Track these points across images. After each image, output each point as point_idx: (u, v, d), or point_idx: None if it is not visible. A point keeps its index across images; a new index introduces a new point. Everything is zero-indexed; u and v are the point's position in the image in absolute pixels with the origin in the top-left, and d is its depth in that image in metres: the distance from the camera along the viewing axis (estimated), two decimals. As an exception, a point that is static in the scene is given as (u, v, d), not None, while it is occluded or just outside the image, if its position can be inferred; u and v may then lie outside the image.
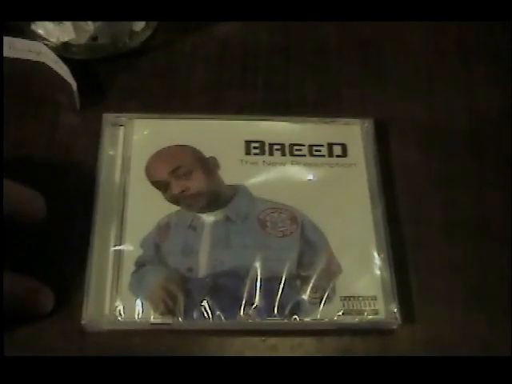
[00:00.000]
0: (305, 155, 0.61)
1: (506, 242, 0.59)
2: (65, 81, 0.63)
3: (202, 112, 0.63)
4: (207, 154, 0.61)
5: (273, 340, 0.54)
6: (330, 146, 0.62)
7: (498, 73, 0.69)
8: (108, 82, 0.65)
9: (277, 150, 0.61)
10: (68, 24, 0.63)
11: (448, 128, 0.65)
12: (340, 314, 0.54)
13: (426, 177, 0.62)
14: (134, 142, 0.61)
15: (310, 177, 0.60)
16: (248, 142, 0.61)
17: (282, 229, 0.57)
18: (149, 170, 0.59)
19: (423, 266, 0.57)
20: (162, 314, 0.53)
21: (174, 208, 0.58)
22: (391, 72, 0.69)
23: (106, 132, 0.61)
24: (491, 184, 0.62)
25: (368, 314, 0.54)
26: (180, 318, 0.53)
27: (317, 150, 0.62)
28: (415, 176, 0.62)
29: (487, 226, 0.60)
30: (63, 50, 0.64)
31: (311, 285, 0.55)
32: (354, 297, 0.55)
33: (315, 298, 0.54)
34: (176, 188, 0.59)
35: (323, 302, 0.54)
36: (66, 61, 0.63)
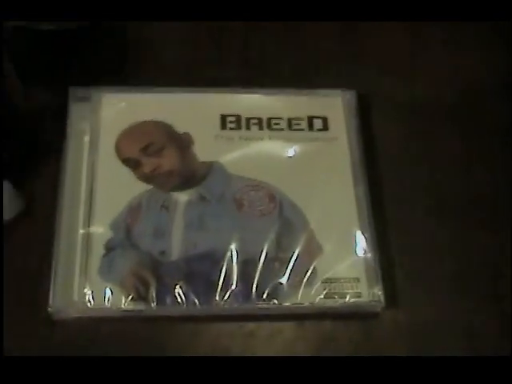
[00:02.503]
0: (283, 129, 0.58)
1: (492, 223, 0.57)
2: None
3: (175, 85, 0.59)
4: (180, 129, 0.57)
5: (250, 326, 0.52)
6: (311, 119, 0.59)
7: (485, 44, 0.66)
8: (75, 54, 0.61)
9: (254, 124, 0.58)
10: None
11: (433, 102, 0.62)
12: (321, 297, 0.51)
13: (410, 152, 0.59)
14: (103, 117, 0.58)
15: (289, 152, 0.57)
16: (224, 117, 0.58)
17: (259, 208, 0.55)
18: (119, 148, 0.56)
19: (407, 246, 0.55)
20: (134, 300, 0.50)
21: (146, 187, 0.55)
22: (370, 44, 0.65)
23: (73, 107, 0.58)
24: (478, 162, 0.59)
25: (351, 297, 0.51)
26: (152, 304, 0.50)
27: (296, 124, 0.59)
28: (399, 151, 0.59)
29: (473, 205, 0.57)
30: (29, 22, 0.60)
31: (291, 267, 0.52)
32: (335, 279, 0.52)
33: (295, 281, 0.52)
34: (147, 166, 0.55)
35: (303, 284, 0.52)
36: (32, 32, 0.60)
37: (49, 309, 0.50)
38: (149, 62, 0.62)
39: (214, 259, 0.52)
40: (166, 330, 0.51)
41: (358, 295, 0.52)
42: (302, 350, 0.51)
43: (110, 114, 0.58)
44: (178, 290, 0.51)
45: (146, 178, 0.55)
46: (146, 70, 0.62)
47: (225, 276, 0.51)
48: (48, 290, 0.50)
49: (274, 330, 0.52)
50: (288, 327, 0.52)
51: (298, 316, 0.52)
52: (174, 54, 0.63)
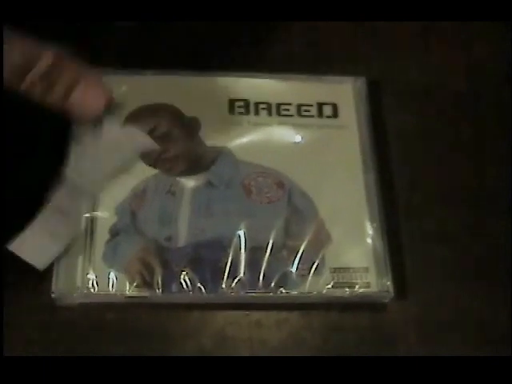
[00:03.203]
0: (293, 115, 0.57)
1: (503, 211, 0.56)
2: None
3: (183, 68, 0.58)
4: (188, 113, 0.56)
5: (257, 314, 0.51)
6: (320, 105, 0.58)
7: (499, 31, 0.64)
8: (82, 36, 0.60)
9: (263, 109, 0.57)
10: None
11: (444, 89, 0.61)
12: (329, 286, 0.50)
13: (420, 140, 0.58)
14: (109, 99, 0.56)
15: (299, 139, 0.56)
16: (232, 101, 0.57)
17: (267, 195, 0.54)
18: (124, 130, 0.55)
19: (417, 236, 0.54)
20: (139, 286, 0.49)
21: (152, 171, 0.54)
22: (384, 28, 0.64)
23: (78, 89, 0.56)
24: (489, 150, 0.59)
25: (359, 287, 0.51)
26: (158, 291, 0.49)
27: (306, 110, 0.58)
28: (409, 139, 0.58)
29: (484, 193, 0.57)
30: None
31: (299, 255, 0.51)
32: (344, 268, 0.51)
33: (303, 270, 0.51)
34: (153, 150, 0.54)
35: (311, 273, 0.51)
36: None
37: (52, 294, 0.49)
38: (156, 44, 0.61)
39: (222, 246, 0.51)
40: (170, 317, 0.50)
41: (367, 285, 0.51)
42: (308, 339, 0.50)
43: (117, 96, 0.56)
44: (184, 276, 0.50)
45: (152, 163, 0.54)
46: (152, 50, 0.60)
47: (232, 263, 0.50)
48: (51, 275, 0.49)
49: (280, 318, 0.51)
50: (295, 316, 0.51)
51: (306, 305, 0.51)
52: (182, 36, 0.62)
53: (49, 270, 0.49)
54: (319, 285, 0.50)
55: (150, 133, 0.55)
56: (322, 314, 0.51)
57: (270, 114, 0.57)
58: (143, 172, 0.53)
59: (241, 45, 0.61)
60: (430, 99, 0.60)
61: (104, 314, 0.50)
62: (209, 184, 0.54)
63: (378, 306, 0.51)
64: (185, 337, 0.50)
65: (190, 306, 0.50)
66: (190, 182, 0.53)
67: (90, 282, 0.49)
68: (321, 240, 0.52)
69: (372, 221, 0.53)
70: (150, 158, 0.54)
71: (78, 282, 0.49)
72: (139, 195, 0.53)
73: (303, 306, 0.51)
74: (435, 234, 0.54)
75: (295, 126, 0.57)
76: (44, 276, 0.49)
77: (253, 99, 0.57)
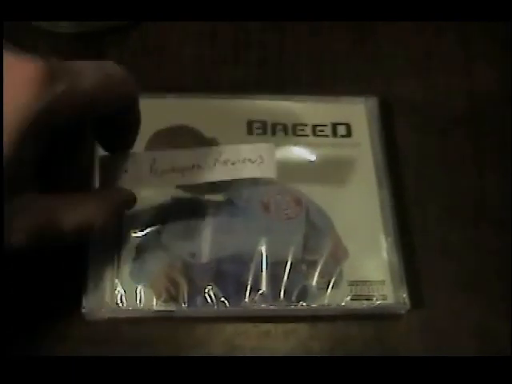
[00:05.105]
0: (308, 135, 0.59)
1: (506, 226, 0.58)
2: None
3: (195, 89, 0.61)
4: (207, 134, 0.58)
5: (279, 326, 0.53)
6: (334, 125, 0.60)
7: (499, 52, 0.67)
8: (98, 58, 0.62)
9: (279, 130, 0.59)
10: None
11: (446, 109, 0.63)
12: (348, 299, 0.52)
13: (432, 156, 0.60)
14: (132, 122, 0.59)
15: (314, 158, 0.59)
16: (250, 122, 0.59)
17: (286, 212, 0.56)
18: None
19: (431, 248, 0.56)
20: (165, 301, 0.51)
21: (175, 191, 0.55)
22: (388, 51, 0.66)
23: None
24: (490, 167, 0.61)
25: (376, 299, 0.53)
26: (183, 305, 0.51)
27: (320, 130, 0.60)
28: (422, 155, 0.60)
29: (493, 206, 0.59)
30: (51, 24, 0.62)
31: (318, 269, 0.53)
32: (361, 282, 0.53)
33: (322, 284, 0.53)
34: (176, 170, 0.56)
35: (330, 287, 0.53)
36: (54, 35, 0.61)
37: (82, 309, 0.51)
38: (166, 66, 0.63)
39: (243, 261, 0.53)
40: (195, 330, 0.52)
41: (384, 297, 0.53)
42: (317, 349, 0.52)
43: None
44: (208, 291, 0.52)
45: (175, 182, 0.56)
46: (166, 73, 0.63)
47: (254, 278, 0.52)
48: (80, 291, 0.51)
49: (296, 330, 0.53)
50: (313, 328, 0.53)
51: (320, 317, 0.53)
52: (192, 56, 0.64)
53: (78, 286, 0.51)
54: (338, 298, 0.52)
55: (172, 154, 0.57)
56: (340, 325, 0.53)
57: (286, 134, 0.59)
58: (167, 191, 0.55)
59: (249, 66, 0.64)
60: (439, 116, 0.63)
61: (131, 327, 0.51)
62: (229, 202, 0.56)
63: (391, 317, 0.53)
64: (195, 346, 0.52)
65: (210, 319, 0.52)
66: (211, 200, 0.56)
67: (119, 298, 0.51)
68: (338, 254, 0.54)
69: (387, 235, 0.55)
70: (173, 178, 0.56)
71: (107, 298, 0.51)
72: (164, 213, 0.55)
73: (321, 318, 0.53)
74: (447, 246, 0.56)
75: (311, 145, 0.59)
76: (74, 292, 0.51)
77: (270, 120, 0.60)
